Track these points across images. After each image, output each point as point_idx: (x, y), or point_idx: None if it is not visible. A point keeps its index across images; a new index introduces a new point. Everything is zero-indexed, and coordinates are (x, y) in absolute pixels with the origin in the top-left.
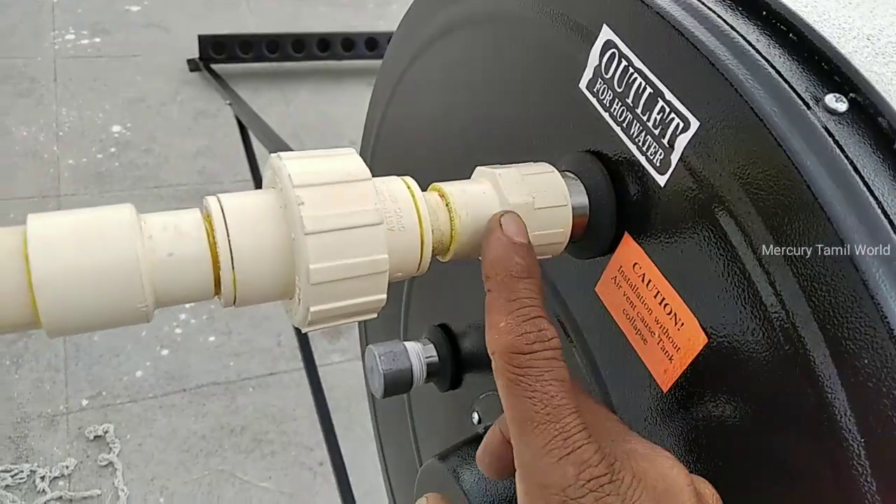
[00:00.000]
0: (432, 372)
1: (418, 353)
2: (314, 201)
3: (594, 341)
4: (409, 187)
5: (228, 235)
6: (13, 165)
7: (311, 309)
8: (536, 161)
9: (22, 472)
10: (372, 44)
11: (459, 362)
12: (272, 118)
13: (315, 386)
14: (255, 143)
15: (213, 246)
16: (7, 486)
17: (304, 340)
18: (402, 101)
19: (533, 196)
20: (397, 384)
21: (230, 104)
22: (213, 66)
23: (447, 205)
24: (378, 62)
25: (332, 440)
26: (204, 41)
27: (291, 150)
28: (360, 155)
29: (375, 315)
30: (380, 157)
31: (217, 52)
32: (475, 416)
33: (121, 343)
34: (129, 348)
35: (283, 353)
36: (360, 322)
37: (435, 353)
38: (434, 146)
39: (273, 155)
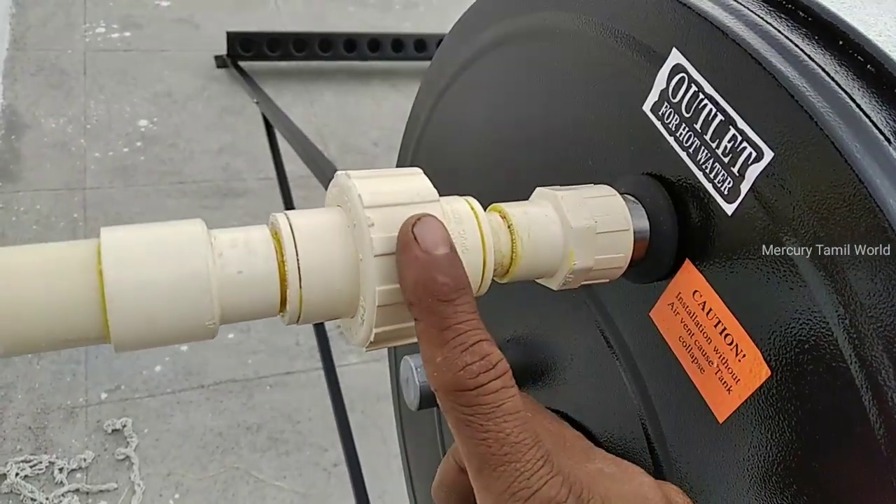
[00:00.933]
0: None
1: None
2: (384, 222)
3: (645, 366)
4: (472, 208)
5: (297, 254)
6: (41, 156)
7: (375, 330)
8: (591, 182)
9: (41, 462)
10: (398, 45)
11: None
12: (296, 117)
13: (333, 387)
14: (281, 142)
15: (281, 264)
16: (26, 476)
17: (323, 341)
18: (445, 116)
19: (595, 220)
20: (433, 397)
21: (257, 102)
22: (241, 64)
23: (509, 226)
24: (403, 64)
25: (348, 442)
26: (232, 38)
27: (318, 150)
28: (402, 147)
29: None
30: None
31: (245, 49)
32: None
33: None
34: None
35: (301, 353)
36: None
37: None
38: (479, 163)
39: (341, 173)
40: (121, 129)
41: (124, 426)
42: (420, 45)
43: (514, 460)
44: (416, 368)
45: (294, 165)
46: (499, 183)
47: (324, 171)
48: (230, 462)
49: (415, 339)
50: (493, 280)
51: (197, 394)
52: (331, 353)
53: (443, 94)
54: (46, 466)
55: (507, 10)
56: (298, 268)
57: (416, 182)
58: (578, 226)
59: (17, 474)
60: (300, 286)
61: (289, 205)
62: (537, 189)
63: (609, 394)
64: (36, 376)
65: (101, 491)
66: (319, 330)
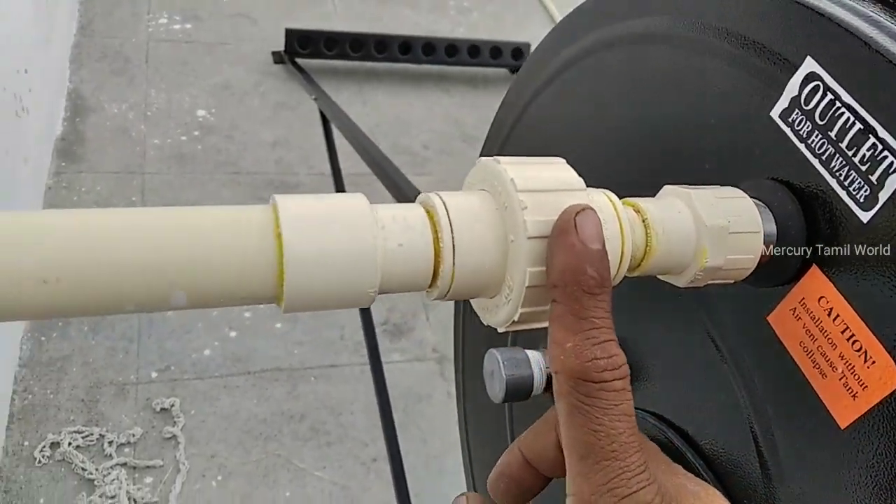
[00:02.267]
0: (550, 384)
1: (539, 362)
2: (536, 206)
3: (758, 371)
4: (611, 200)
5: (452, 231)
6: (103, 140)
7: (521, 310)
8: (707, 183)
9: (92, 434)
10: (452, 50)
11: None
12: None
13: (379, 384)
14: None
15: (436, 241)
16: (78, 446)
17: (371, 337)
18: (542, 113)
19: (728, 220)
20: (517, 391)
21: (315, 99)
22: (297, 61)
23: (643, 220)
24: (456, 69)
25: (392, 439)
26: (290, 35)
27: (376, 146)
28: (485, 149)
29: None
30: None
31: (302, 46)
32: None
33: (192, 321)
34: (200, 327)
35: (346, 347)
36: (458, 323)
37: None
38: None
39: (489, 159)
40: (180, 117)
41: (172, 406)
42: (473, 51)
43: (619, 458)
44: (504, 362)
45: (345, 163)
46: (602, 181)
47: (382, 168)
48: (272, 449)
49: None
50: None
51: (243, 380)
52: (378, 350)
53: (540, 92)
54: (97, 439)
55: (617, 12)
56: (453, 245)
57: (563, 171)
58: (713, 224)
59: (69, 444)
60: (453, 262)
61: None
62: (666, 186)
63: (715, 398)
64: (91, 351)
65: (147, 467)
66: (367, 326)
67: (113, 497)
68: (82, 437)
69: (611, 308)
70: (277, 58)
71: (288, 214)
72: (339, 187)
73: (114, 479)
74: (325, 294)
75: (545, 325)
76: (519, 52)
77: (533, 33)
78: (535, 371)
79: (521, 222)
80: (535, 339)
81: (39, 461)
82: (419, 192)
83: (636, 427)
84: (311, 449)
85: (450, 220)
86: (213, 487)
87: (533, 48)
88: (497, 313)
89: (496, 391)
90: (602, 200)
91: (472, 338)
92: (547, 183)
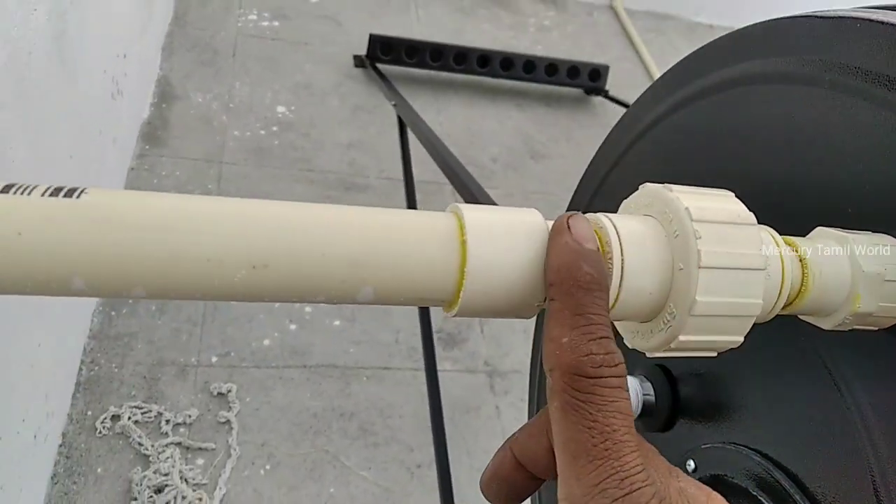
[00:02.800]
0: (645, 410)
1: (636, 388)
2: (709, 237)
3: (887, 423)
4: (773, 237)
5: (622, 254)
6: (186, 127)
7: (680, 338)
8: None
9: (151, 411)
10: (529, 67)
11: (676, 407)
12: None
13: (433, 391)
14: (412, 146)
15: (605, 260)
16: (137, 421)
17: (428, 343)
18: (652, 149)
19: (885, 267)
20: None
21: (395, 105)
22: (378, 66)
23: (801, 260)
24: (531, 86)
25: (441, 447)
26: (374, 40)
27: (453, 155)
28: (577, 194)
29: (715, 354)
30: (607, 203)
31: (384, 52)
32: (690, 464)
33: (255, 311)
34: (262, 317)
35: (400, 351)
36: (539, 339)
37: (652, 393)
38: None
39: (660, 186)
40: (260, 112)
41: (229, 391)
42: (551, 69)
43: (613, 457)
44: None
45: (415, 170)
46: None
47: (459, 177)
48: (321, 444)
49: (707, 354)
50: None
51: (299, 372)
52: (434, 357)
53: (648, 130)
54: (155, 416)
55: (751, 51)
56: (622, 267)
57: (734, 204)
58: (870, 270)
59: (129, 418)
60: (620, 284)
61: (412, 206)
62: (819, 228)
63: (833, 443)
64: (157, 330)
65: (200, 448)
66: (426, 332)
67: (166, 474)
68: (141, 413)
69: (607, 307)
70: (358, 62)
71: (473, 224)
72: (410, 193)
73: (168, 458)
74: (495, 303)
75: (696, 354)
76: (597, 73)
77: (611, 56)
78: (631, 396)
79: (695, 252)
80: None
81: (100, 432)
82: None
83: (632, 426)
84: (358, 448)
85: (620, 242)
86: (261, 475)
87: (612, 71)
88: (650, 339)
89: None
90: (766, 237)
91: None
92: (720, 214)
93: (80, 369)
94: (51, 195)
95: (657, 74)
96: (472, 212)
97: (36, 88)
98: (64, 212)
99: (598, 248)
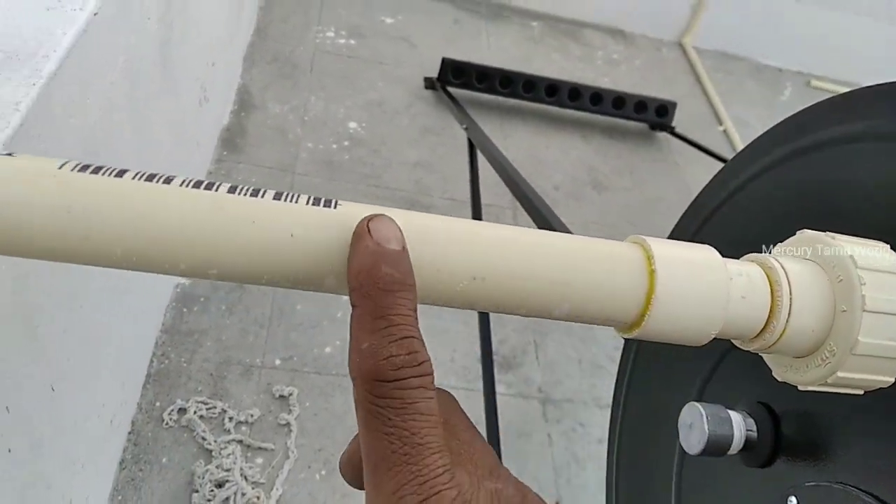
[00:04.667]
0: (747, 446)
1: (740, 424)
2: (872, 283)
3: None
4: None
5: (791, 294)
6: (262, 136)
7: (839, 374)
8: None
9: (215, 407)
10: (596, 99)
11: (778, 444)
12: None
13: (490, 412)
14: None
15: (774, 299)
16: (201, 416)
17: (488, 365)
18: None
19: None
20: (715, 447)
21: (466, 128)
22: (448, 89)
23: None
24: (597, 117)
25: None
26: (446, 64)
27: (524, 179)
28: (679, 228)
29: (862, 392)
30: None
31: (455, 76)
32: (793, 501)
33: (319, 317)
34: (325, 324)
35: (455, 370)
36: (625, 368)
37: (755, 429)
38: None
39: (823, 234)
40: (333, 126)
41: (290, 395)
42: (618, 102)
43: (413, 462)
44: (707, 416)
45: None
46: None
47: (531, 200)
48: None
49: (858, 390)
50: None
51: None
52: (493, 378)
53: (753, 180)
54: (219, 413)
55: (857, 112)
56: (790, 306)
57: (891, 254)
58: None
59: (194, 412)
60: (786, 322)
61: None
62: None
63: None
64: (225, 329)
65: (260, 448)
66: (486, 352)
67: (228, 470)
68: (206, 409)
69: (414, 308)
70: (429, 84)
71: (661, 256)
72: (477, 215)
73: (230, 454)
74: (674, 329)
75: (854, 391)
76: (664, 109)
77: (678, 92)
78: (735, 432)
79: (859, 296)
80: (726, 398)
81: (167, 423)
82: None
83: (438, 428)
84: None
85: (789, 283)
86: (316, 480)
87: (678, 107)
88: (804, 373)
89: (693, 443)
90: None
91: (642, 385)
92: (881, 263)
93: (152, 361)
94: (312, 204)
95: (724, 114)
96: (658, 245)
97: (144, 92)
98: (324, 218)
99: (403, 248)
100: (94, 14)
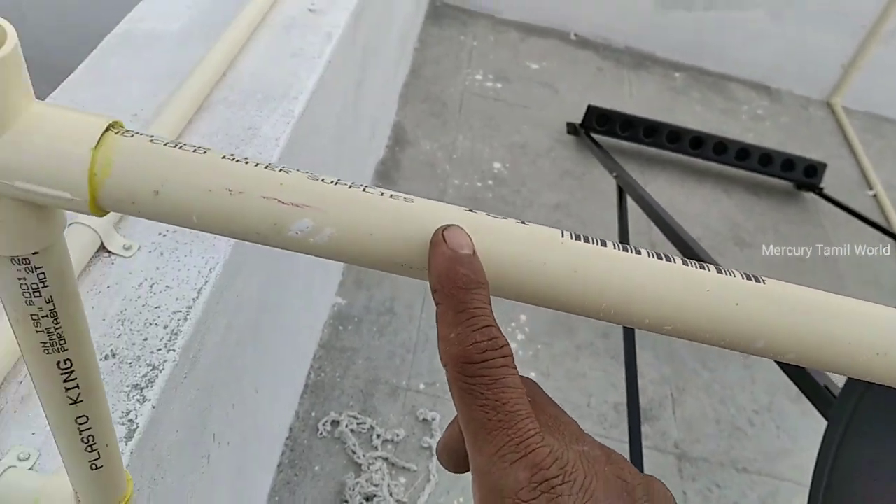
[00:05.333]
0: None
1: None
2: None
3: None
4: None
5: None
6: (414, 169)
7: None
8: None
9: (365, 423)
10: (743, 154)
11: None
12: None
13: (635, 462)
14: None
15: None
16: (352, 430)
17: (634, 412)
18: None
19: None
20: None
21: (616, 176)
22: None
23: None
24: (741, 173)
25: None
26: (591, 111)
27: (680, 226)
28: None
29: None
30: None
31: (600, 123)
32: None
33: None
34: None
35: (591, 414)
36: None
37: None
38: None
39: None
40: (479, 165)
41: (433, 420)
42: (765, 159)
43: (507, 427)
44: None
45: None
46: None
47: (690, 248)
48: None
49: None
50: None
51: None
52: (640, 433)
53: None
54: (368, 428)
55: None
56: None
57: None
58: None
59: (346, 426)
60: None
61: None
62: None
63: None
64: (375, 350)
65: (404, 468)
66: (632, 396)
67: (377, 486)
68: (357, 423)
69: (489, 302)
70: (571, 129)
71: None
72: None
73: (378, 470)
74: None
75: None
76: (813, 169)
77: (825, 152)
78: None
79: None
80: None
81: (321, 433)
82: None
83: (525, 399)
84: None
85: None
86: None
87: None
88: None
89: None
90: None
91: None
92: None
93: (309, 373)
94: (744, 278)
95: (875, 177)
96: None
97: (342, 128)
98: (752, 292)
99: (474, 253)
100: (328, 62)
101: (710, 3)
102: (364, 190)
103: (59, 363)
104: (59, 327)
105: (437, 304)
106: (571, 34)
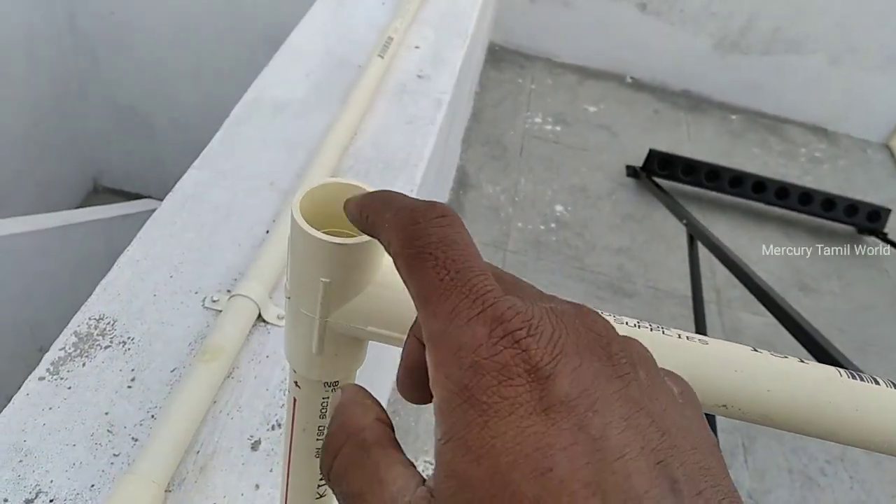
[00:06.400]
0: None
1: None
2: None
3: None
4: None
5: None
6: (478, 213)
7: None
8: None
9: None
10: (805, 198)
11: None
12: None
13: None
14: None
15: None
16: (427, 475)
17: None
18: None
19: None
20: None
21: (686, 224)
22: (653, 179)
23: None
24: (801, 217)
25: None
26: (653, 155)
27: (755, 274)
28: None
29: None
30: None
31: (661, 167)
32: None
33: None
34: None
35: None
36: None
37: None
38: None
39: None
40: (541, 208)
41: None
42: (827, 204)
43: (461, 284)
44: None
45: (679, 284)
46: None
47: (766, 294)
48: None
49: None
50: None
51: None
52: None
53: None
54: None
55: None
56: None
57: None
58: None
59: (422, 470)
60: None
61: (700, 319)
62: None
63: None
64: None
65: None
66: None
67: None
68: (432, 468)
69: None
70: (631, 171)
71: None
72: (699, 309)
73: None
74: None
75: None
76: (876, 214)
77: (884, 196)
78: None
79: None
80: None
81: None
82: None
83: (477, 256)
84: None
85: None
86: None
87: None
88: None
89: None
90: None
91: None
92: None
93: None
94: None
95: None
96: None
97: (435, 184)
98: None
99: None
100: (438, 130)
101: (768, 48)
102: (663, 332)
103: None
104: None
105: (365, 218)
106: (627, 77)
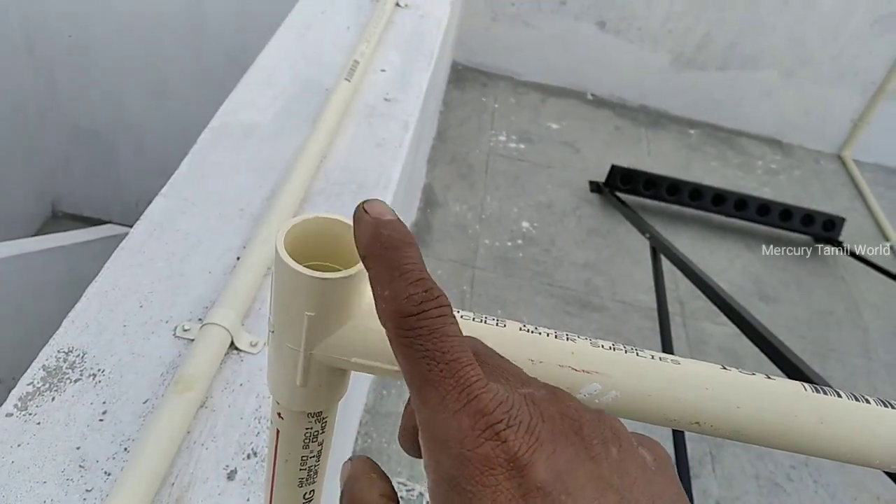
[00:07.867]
0: None
1: None
2: None
3: None
4: None
5: None
6: (446, 231)
7: None
8: None
9: (414, 490)
10: (763, 210)
11: None
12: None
13: None
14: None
15: None
16: (402, 497)
17: (684, 477)
18: None
19: None
20: None
21: (649, 237)
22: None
23: None
24: (760, 227)
25: None
26: (615, 171)
27: (721, 287)
28: None
29: None
30: None
31: (623, 182)
32: None
33: None
34: None
35: None
36: None
37: None
38: None
39: None
40: (508, 225)
41: None
42: (785, 215)
43: (449, 375)
44: None
45: (645, 297)
46: None
47: (729, 306)
48: None
49: None
50: None
51: None
52: (691, 491)
53: None
54: (417, 496)
55: None
56: None
57: None
58: None
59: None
60: None
61: (666, 331)
62: None
63: None
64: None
65: None
66: (680, 458)
67: None
68: (406, 490)
69: (420, 260)
70: (594, 187)
71: None
72: (664, 321)
73: None
74: None
75: None
76: (831, 223)
77: (839, 205)
78: None
79: None
80: None
81: None
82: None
83: (466, 348)
84: None
85: None
86: None
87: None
88: None
89: None
90: None
91: None
92: None
93: (357, 440)
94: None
95: (890, 229)
96: None
97: (403, 204)
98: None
99: (397, 218)
100: (406, 152)
101: (724, 63)
102: (637, 354)
103: (304, 494)
104: (318, 465)
105: (368, 269)
106: (588, 94)
